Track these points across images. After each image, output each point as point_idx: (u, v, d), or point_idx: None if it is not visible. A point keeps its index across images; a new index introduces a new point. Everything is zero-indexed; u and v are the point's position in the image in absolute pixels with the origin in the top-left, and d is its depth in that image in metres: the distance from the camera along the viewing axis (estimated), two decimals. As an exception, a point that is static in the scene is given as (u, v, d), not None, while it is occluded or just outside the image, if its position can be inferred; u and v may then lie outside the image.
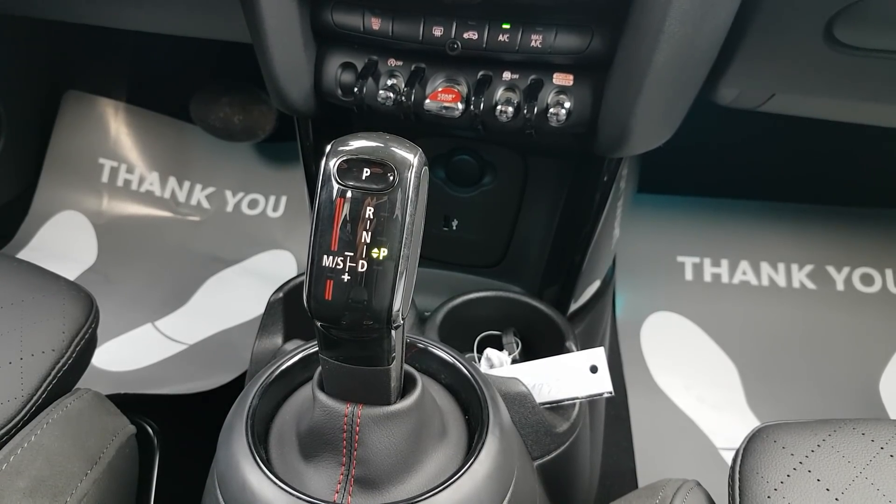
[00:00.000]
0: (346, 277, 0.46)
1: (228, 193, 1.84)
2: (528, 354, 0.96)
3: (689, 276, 1.63)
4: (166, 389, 1.27)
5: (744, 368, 1.47)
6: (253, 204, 1.83)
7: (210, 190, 1.85)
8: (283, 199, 1.83)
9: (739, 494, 0.58)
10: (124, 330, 1.52)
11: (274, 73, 0.90)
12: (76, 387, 0.79)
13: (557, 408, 0.83)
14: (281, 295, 0.90)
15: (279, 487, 0.54)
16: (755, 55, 0.85)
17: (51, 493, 0.64)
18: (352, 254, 0.46)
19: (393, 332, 0.49)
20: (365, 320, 0.47)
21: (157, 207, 1.83)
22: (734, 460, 0.61)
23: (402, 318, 0.48)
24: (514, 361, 0.88)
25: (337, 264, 0.46)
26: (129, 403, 0.87)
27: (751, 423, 1.37)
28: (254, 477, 0.55)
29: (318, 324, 0.49)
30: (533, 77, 0.84)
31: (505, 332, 0.98)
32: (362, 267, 0.46)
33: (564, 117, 0.82)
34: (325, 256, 0.47)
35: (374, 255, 0.46)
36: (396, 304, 0.47)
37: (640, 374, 1.46)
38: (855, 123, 1.12)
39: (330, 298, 0.47)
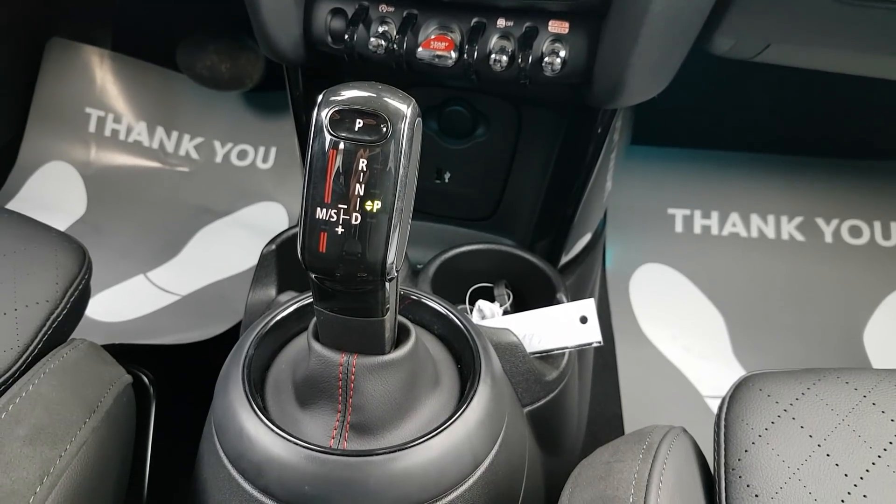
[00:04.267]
0: (339, 230, 0.46)
1: (217, 144, 1.82)
2: (519, 306, 0.97)
3: (679, 228, 1.64)
4: (161, 340, 1.28)
5: (731, 319, 1.49)
6: (242, 155, 1.81)
7: (198, 140, 1.82)
8: (273, 151, 1.80)
9: (725, 440, 0.59)
10: (117, 281, 1.52)
11: (262, 19, 0.88)
12: (71, 337, 0.79)
13: (547, 357, 0.84)
14: (274, 247, 0.90)
15: (276, 434, 0.55)
16: (752, 4, 0.84)
17: (50, 441, 0.65)
18: (345, 206, 0.46)
19: (387, 284, 0.49)
20: (359, 273, 0.47)
21: (145, 158, 1.81)
22: (720, 407, 0.63)
23: (396, 271, 0.49)
24: (505, 313, 0.89)
25: (330, 217, 0.46)
26: (125, 353, 0.88)
27: (737, 372, 1.40)
28: (251, 424, 0.56)
29: (313, 276, 0.49)
30: (528, 24, 0.82)
31: (497, 285, 0.99)
32: (356, 219, 0.46)
33: (559, 67, 0.81)
34: (319, 209, 0.46)
35: (368, 208, 0.46)
36: (390, 257, 0.47)
37: (628, 324, 1.48)
38: (849, 75, 1.11)
39: (324, 251, 0.47)
